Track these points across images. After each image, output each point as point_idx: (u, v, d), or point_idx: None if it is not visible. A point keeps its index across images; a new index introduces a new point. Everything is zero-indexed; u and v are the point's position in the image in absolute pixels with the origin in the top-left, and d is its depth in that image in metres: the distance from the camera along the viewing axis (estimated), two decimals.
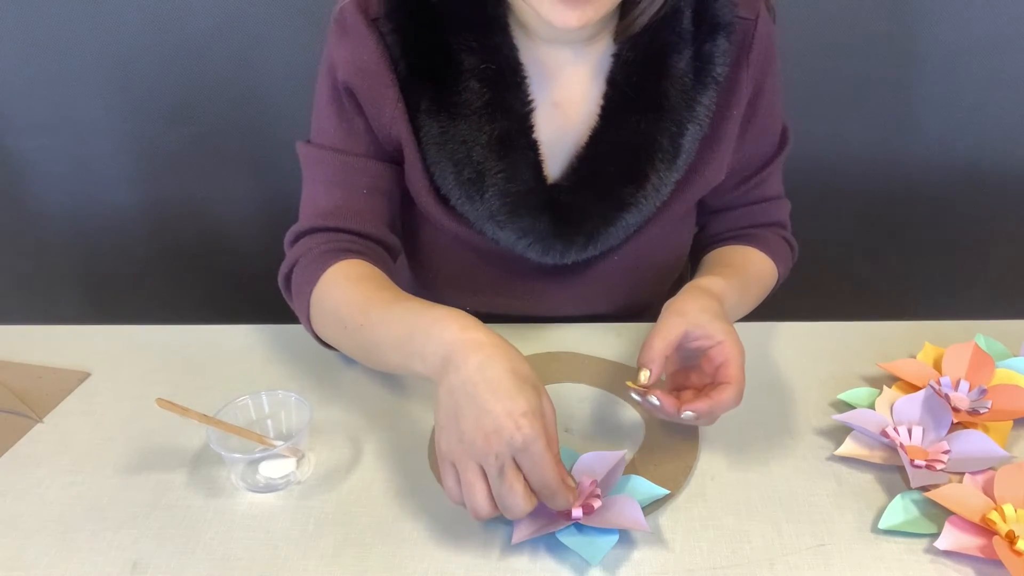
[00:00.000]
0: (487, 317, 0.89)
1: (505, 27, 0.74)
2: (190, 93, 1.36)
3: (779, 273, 0.87)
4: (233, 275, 1.56)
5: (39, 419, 0.75)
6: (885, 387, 0.73)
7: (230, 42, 1.30)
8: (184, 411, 0.65)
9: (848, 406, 0.72)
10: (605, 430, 0.72)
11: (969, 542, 0.57)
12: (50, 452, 0.71)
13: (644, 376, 0.64)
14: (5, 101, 1.39)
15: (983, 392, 0.71)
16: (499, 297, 0.88)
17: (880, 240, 1.50)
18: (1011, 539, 0.56)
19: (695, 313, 0.66)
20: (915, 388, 0.73)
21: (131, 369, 0.82)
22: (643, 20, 0.72)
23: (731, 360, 0.64)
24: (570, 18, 0.66)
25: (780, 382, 0.77)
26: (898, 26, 1.27)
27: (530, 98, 0.75)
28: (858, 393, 0.74)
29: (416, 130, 0.77)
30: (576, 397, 0.76)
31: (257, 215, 1.49)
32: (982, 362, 0.74)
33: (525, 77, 0.75)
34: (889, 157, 1.40)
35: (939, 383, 0.72)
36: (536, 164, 0.76)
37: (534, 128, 0.75)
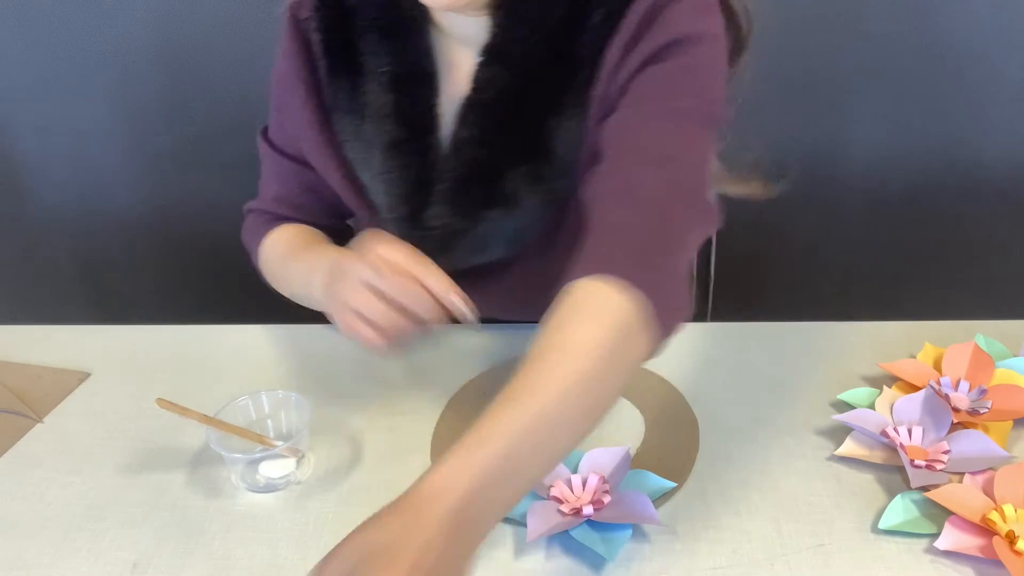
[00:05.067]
0: None
1: (418, 29, 0.71)
2: (190, 94, 1.36)
3: (648, 314, 0.52)
4: (233, 275, 1.55)
5: (39, 419, 0.75)
6: (885, 387, 0.73)
7: (230, 42, 1.30)
8: (184, 411, 0.65)
9: (848, 406, 0.72)
10: (605, 429, 0.71)
11: (969, 542, 0.57)
12: (50, 452, 0.71)
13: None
14: (6, 102, 1.39)
15: (983, 392, 0.71)
16: None
17: (880, 240, 1.50)
18: (1011, 539, 0.56)
19: None
20: (915, 388, 0.72)
21: (131, 369, 0.82)
22: None
23: None
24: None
25: (780, 382, 0.77)
26: (898, 26, 1.27)
27: (431, 103, 0.72)
28: (858, 393, 0.73)
29: (338, 129, 0.76)
30: None
31: None
32: (982, 362, 0.74)
33: (431, 76, 0.72)
34: (889, 157, 1.40)
35: (939, 383, 0.72)
36: (427, 168, 0.72)
37: (433, 135, 0.72)
